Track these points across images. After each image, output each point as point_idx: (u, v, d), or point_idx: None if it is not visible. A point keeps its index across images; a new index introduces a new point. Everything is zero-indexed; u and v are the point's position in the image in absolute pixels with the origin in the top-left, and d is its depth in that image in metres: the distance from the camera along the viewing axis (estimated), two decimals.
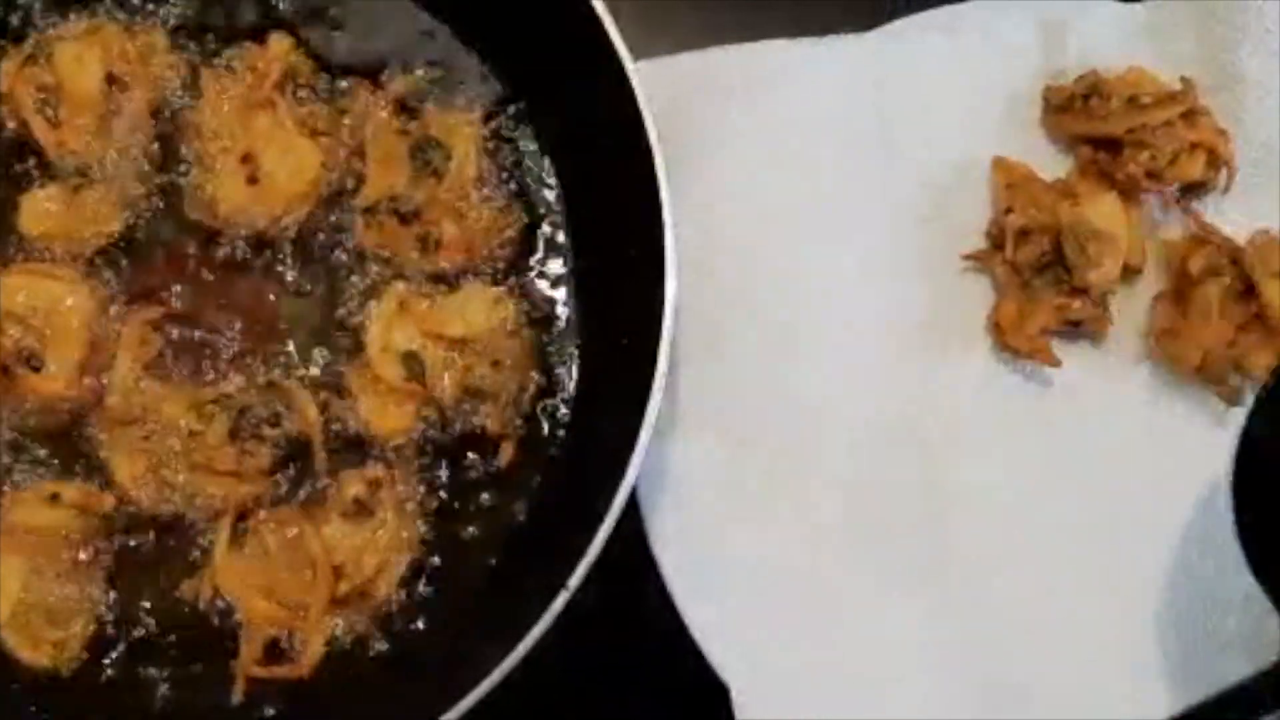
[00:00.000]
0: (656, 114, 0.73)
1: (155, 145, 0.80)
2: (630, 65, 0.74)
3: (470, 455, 0.78)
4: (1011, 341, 0.82)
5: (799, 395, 0.82)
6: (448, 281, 0.80)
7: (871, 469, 0.82)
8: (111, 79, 0.79)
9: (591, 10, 0.74)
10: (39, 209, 0.78)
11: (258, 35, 0.81)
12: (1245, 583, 0.79)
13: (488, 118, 0.82)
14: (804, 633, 0.79)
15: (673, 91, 0.84)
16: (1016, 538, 0.81)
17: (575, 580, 0.67)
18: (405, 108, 0.81)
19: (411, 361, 0.77)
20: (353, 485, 0.76)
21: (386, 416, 0.77)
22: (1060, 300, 0.83)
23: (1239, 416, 0.82)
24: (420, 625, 0.75)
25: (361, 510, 0.75)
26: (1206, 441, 0.83)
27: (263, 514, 0.75)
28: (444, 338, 0.77)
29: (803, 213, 0.84)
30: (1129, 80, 0.86)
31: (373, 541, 0.75)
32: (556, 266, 0.81)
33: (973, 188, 0.86)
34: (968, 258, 0.85)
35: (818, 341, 0.83)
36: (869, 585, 0.80)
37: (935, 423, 0.83)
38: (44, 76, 0.79)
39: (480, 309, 0.78)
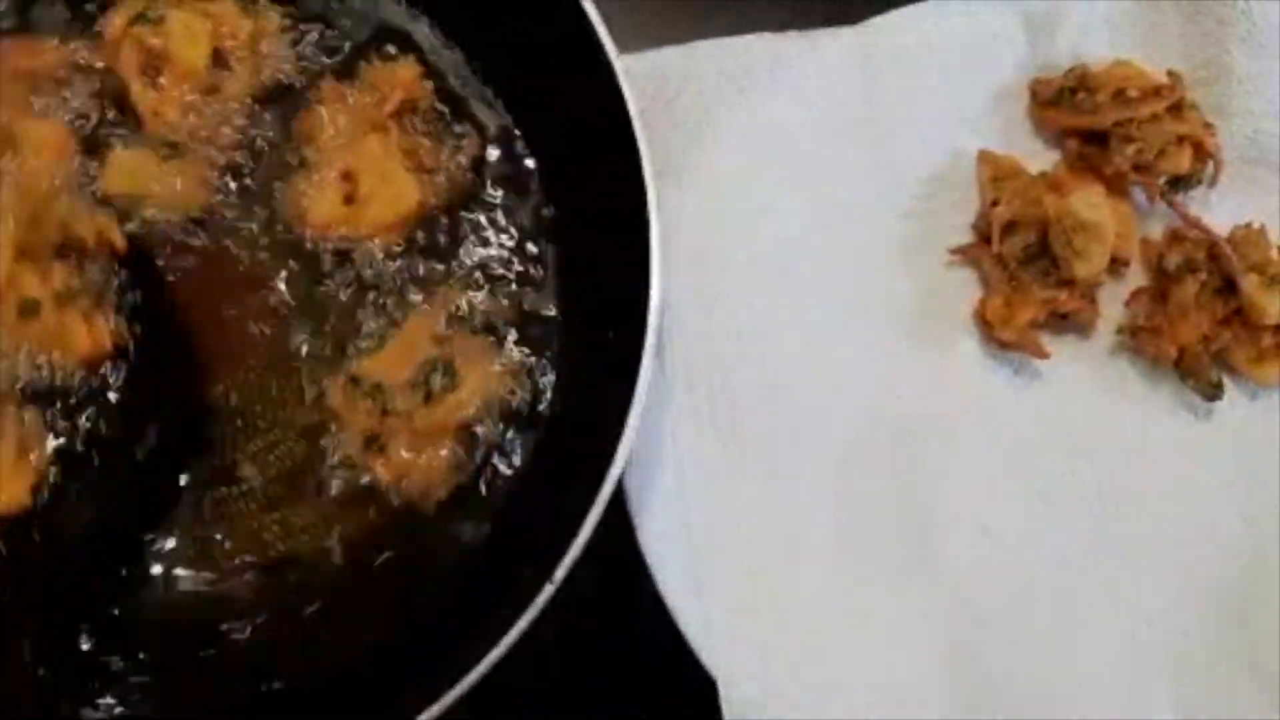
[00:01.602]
0: (642, 108, 0.73)
1: (254, 136, 0.79)
2: (616, 59, 0.73)
3: None
4: (999, 334, 0.83)
5: (787, 389, 0.82)
6: None
7: (859, 463, 0.81)
8: (218, 56, 0.78)
9: (577, 3, 0.74)
10: (124, 168, 0.77)
11: (386, 50, 0.81)
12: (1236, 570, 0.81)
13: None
14: (792, 627, 0.78)
15: (658, 85, 0.84)
16: (1005, 531, 0.81)
17: (560, 574, 0.67)
18: None
19: (24, 309, 0.69)
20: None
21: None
22: (1047, 293, 0.83)
23: (1224, 409, 0.83)
24: (405, 618, 0.75)
25: None
26: (1195, 434, 0.83)
27: None
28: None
29: (789, 206, 0.84)
30: (1116, 74, 0.86)
31: None
32: (540, 262, 0.81)
33: (960, 181, 0.86)
34: (955, 251, 0.85)
35: (805, 335, 0.83)
36: (856, 579, 0.79)
37: (923, 416, 0.83)
38: (151, 39, 0.77)
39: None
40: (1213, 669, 0.79)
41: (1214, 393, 0.82)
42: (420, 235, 0.79)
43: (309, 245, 0.78)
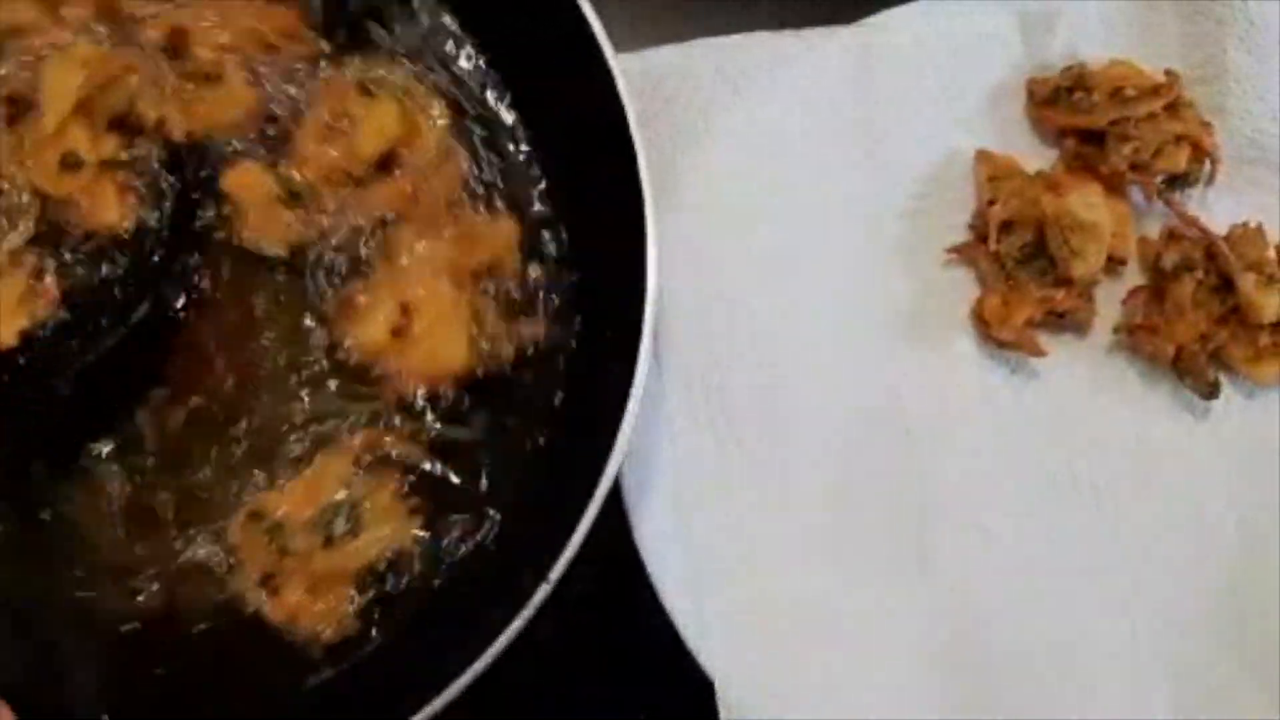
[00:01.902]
0: (638, 107, 0.73)
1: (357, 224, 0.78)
2: (612, 58, 0.73)
3: None
4: (996, 333, 0.83)
5: (784, 388, 0.82)
6: None
7: (856, 462, 0.81)
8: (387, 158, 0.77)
9: (574, 3, 0.74)
10: (242, 180, 0.77)
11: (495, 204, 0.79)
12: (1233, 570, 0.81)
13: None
14: (789, 627, 0.78)
15: (654, 84, 0.84)
16: (1002, 530, 0.81)
17: (557, 573, 0.67)
18: None
19: (68, 159, 0.72)
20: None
21: None
22: (1044, 292, 0.83)
23: (1221, 408, 0.83)
24: (396, 614, 0.74)
25: None
26: (1192, 433, 0.83)
27: None
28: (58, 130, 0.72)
29: (785, 205, 0.84)
30: (1113, 73, 0.86)
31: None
32: (538, 261, 0.80)
33: (956, 180, 0.86)
34: (951, 250, 0.85)
35: (802, 334, 0.83)
36: (854, 579, 0.79)
37: (920, 415, 0.82)
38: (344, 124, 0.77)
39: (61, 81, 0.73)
40: (1211, 669, 0.79)
41: (1211, 392, 0.82)
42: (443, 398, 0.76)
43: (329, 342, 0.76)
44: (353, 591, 0.73)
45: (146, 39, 0.76)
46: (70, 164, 0.72)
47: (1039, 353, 0.82)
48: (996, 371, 0.84)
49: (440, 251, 0.77)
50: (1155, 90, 0.84)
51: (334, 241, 0.77)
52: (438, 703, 0.65)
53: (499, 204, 0.79)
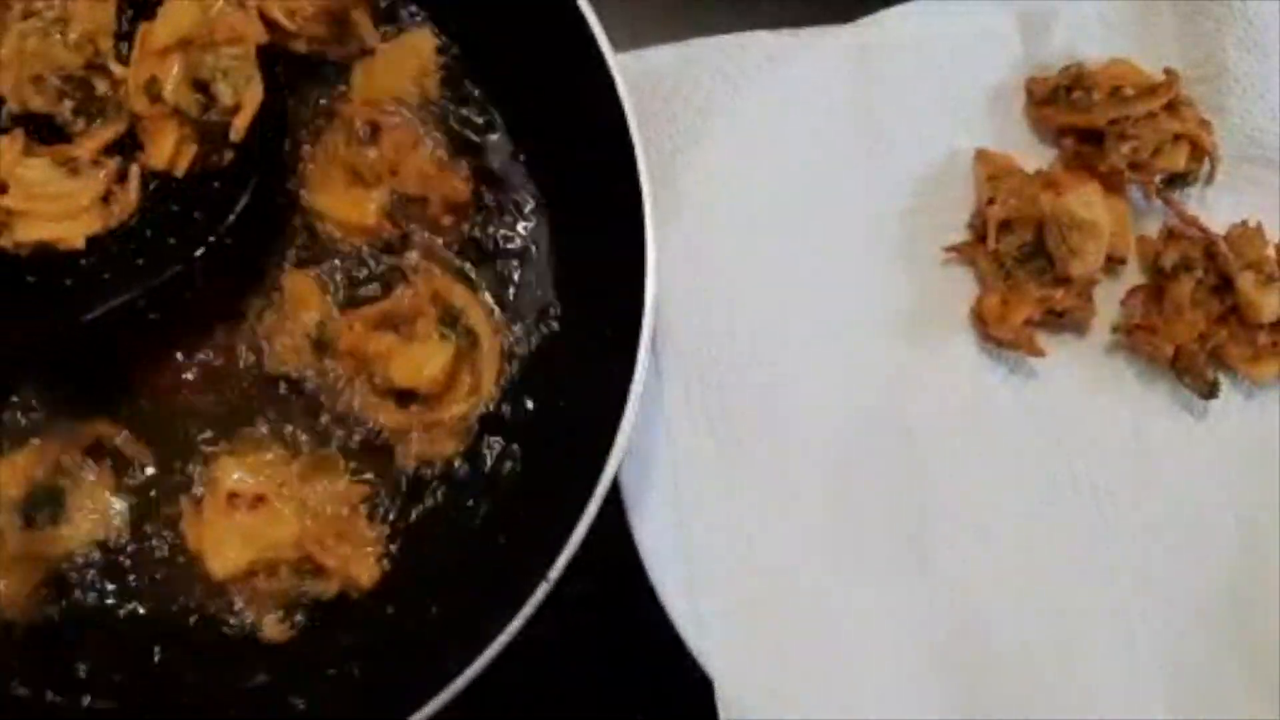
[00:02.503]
0: (637, 107, 0.73)
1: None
2: (611, 58, 0.73)
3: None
4: (995, 332, 0.83)
5: (782, 387, 0.82)
6: None
7: (856, 462, 0.81)
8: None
9: (573, 2, 0.74)
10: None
11: None
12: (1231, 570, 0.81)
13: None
14: (788, 626, 0.78)
15: (653, 84, 0.84)
16: (1001, 530, 0.81)
17: (556, 572, 0.67)
18: None
19: (151, 85, 0.75)
20: None
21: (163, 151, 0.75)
22: (1043, 291, 0.83)
23: (1220, 407, 0.83)
24: (401, 612, 0.75)
25: None
26: (1191, 432, 0.83)
27: None
28: (162, 49, 0.75)
29: (785, 205, 0.84)
30: (1112, 72, 0.86)
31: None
32: (539, 259, 0.81)
33: (955, 179, 0.86)
34: (951, 249, 0.85)
35: (802, 334, 0.83)
36: (852, 578, 0.79)
37: (920, 415, 0.83)
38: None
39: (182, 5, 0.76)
40: (1208, 668, 0.79)
41: (1210, 391, 0.82)
42: None
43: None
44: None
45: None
46: (152, 91, 0.74)
47: (1038, 352, 0.82)
48: (995, 371, 0.84)
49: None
50: (1154, 89, 0.84)
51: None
52: (440, 700, 0.65)
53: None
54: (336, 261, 0.79)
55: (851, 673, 0.78)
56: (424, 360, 0.76)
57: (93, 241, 0.73)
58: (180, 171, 0.75)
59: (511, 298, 0.80)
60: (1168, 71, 0.86)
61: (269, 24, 0.77)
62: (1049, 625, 0.79)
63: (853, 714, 0.77)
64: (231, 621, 0.74)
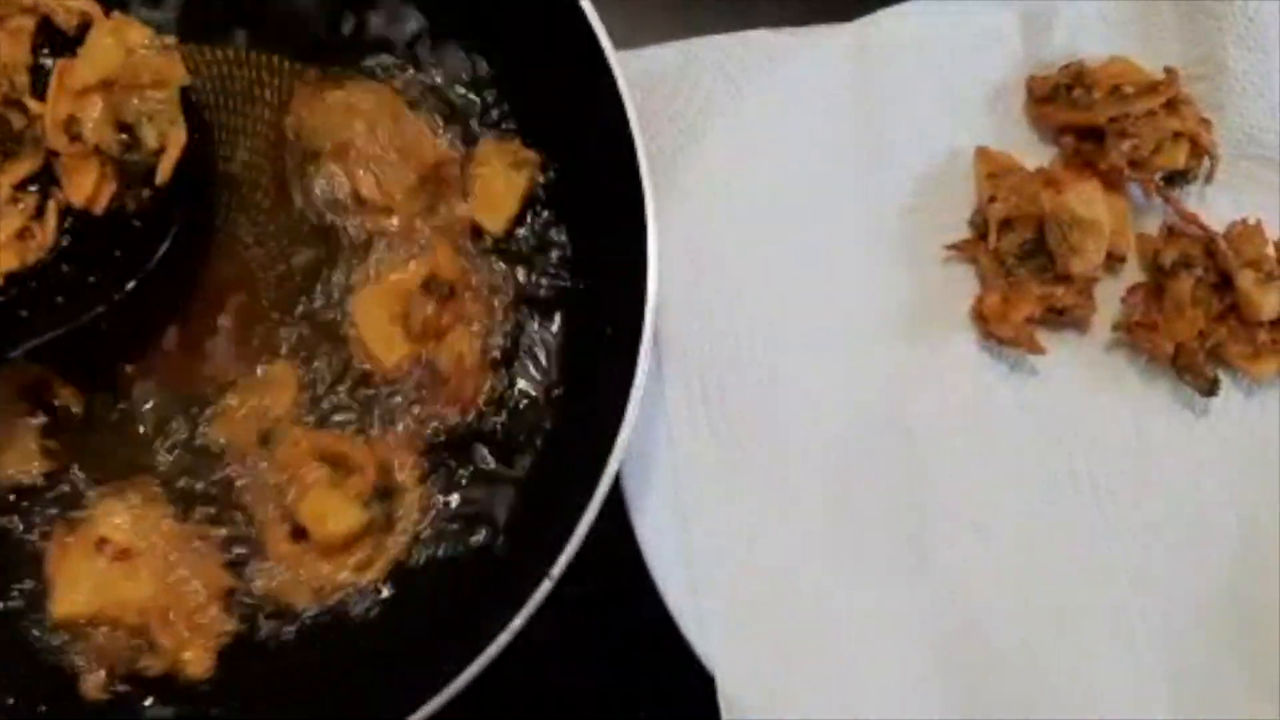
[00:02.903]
0: (638, 105, 0.73)
1: None
2: (612, 56, 0.73)
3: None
4: (996, 330, 0.83)
5: (783, 386, 0.82)
6: None
7: (857, 460, 0.81)
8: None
9: (574, 1, 0.74)
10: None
11: None
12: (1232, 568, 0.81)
13: None
14: (790, 625, 0.79)
15: (655, 82, 0.84)
16: (1001, 529, 0.81)
17: (558, 570, 0.67)
18: None
19: (71, 124, 0.74)
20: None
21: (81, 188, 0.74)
22: (1044, 289, 0.83)
23: (1220, 405, 0.83)
24: (398, 614, 0.75)
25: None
26: (1191, 430, 0.83)
27: None
28: (82, 89, 0.74)
29: (786, 204, 0.84)
30: (1112, 70, 0.86)
31: None
32: (539, 256, 0.81)
33: (956, 178, 0.86)
34: (951, 247, 0.85)
35: (803, 332, 0.83)
36: (853, 577, 0.79)
37: (920, 413, 0.83)
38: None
39: (105, 45, 0.75)
40: (1210, 667, 0.79)
41: (1210, 389, 0.82)
42: None
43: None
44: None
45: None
46: (72, 130, 0.73)
47: (1038, 350, 0.82)
48: (996, 369, 0.84)
49: None
50: (1154, 87, 0.84)
51: None
52: (443, 696, 0.65)
53: None
54: (329, 374, 0.78)
55: (853, 671, 0.78)
56: (332, 514, 0.74)
57: (10, 277, 0.72)
58: (100, 209, 0.74)
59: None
60: (1168, 70, 0.86)
61: None
62: (1050, 624, 0.79)
63: (854, 712, 0.77)
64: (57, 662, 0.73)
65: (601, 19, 0.74)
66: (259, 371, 0.78)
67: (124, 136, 0.74)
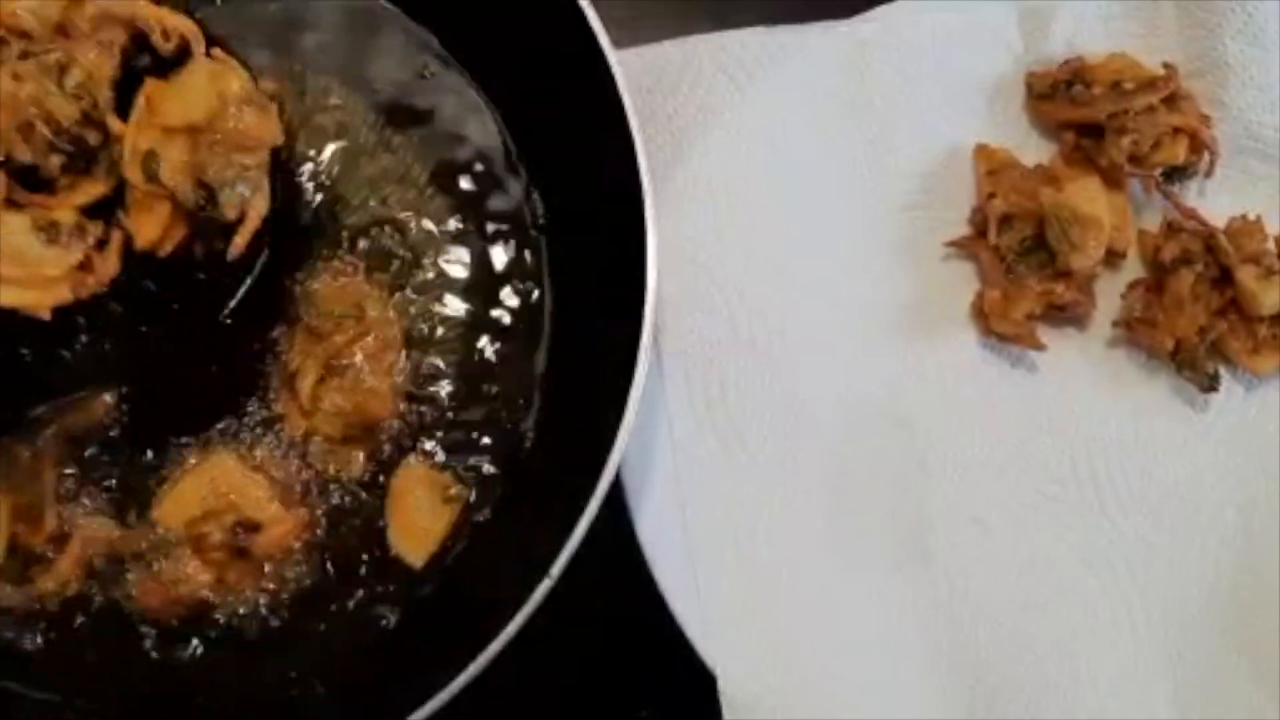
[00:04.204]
0: (637, 103, 0.73)
1: None
2: (611, 54, 0.73)
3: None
4: (996, 327, 0.83)
5: (785, 383, 0.82)
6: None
7: (856, 457, 0.81)
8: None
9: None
10: None
11: None
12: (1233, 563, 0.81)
13: None
14: (791, 621, 0.79)
15: (653, 80, 0.84)
16: (1002, 524, 0.81)
17: (558, 569, 0.67)
18: None
19: (150, 160, 0.70)
20: None
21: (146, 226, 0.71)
22: (1044, 285, 0.83)
23: (1220, 401, 0.83)
24: (399, 613, 0.75)
25: None
26: (1191, 425, 0.83)
27: None
28: (169, 128, 0.70)
29: (785, 201, 0.84)
30: (1112, 66, 0.86)
31: None
32: (538, 256, 0.81)
33: (956, 174, 0.86)
34: (951, 244, 0.85)
35: (803, 329, 0.83)
36: (854, 573, 0.80)
37: (921, 410, 0.83)
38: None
39: (199, 87, 0.70)
40: (1211, 661, 0.79)
41: (1210, 384, 0.82)
42: None
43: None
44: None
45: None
46: (149, 168, 0.70)
47: (1039, 346, 0.82)
48: (996, 365, 0.84)
49: None
50: (1153, 83, 0.84)
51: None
52: (443, 695, 0.65)
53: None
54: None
55: (854, 667, 0.78)
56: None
57: (58, 312, 0.69)
58: (164, 252, 0.71)
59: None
60: (1167, 65, 0.86)
61: None
62: (1050, 620, 0.79)
63: (856, 708, 0.77)
64: None
65: (599, 16, 0.74)
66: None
67: (202, 191, 0.70)
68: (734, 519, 0.80)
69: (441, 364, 0.78)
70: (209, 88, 0.70)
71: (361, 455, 0.76)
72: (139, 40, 0.70)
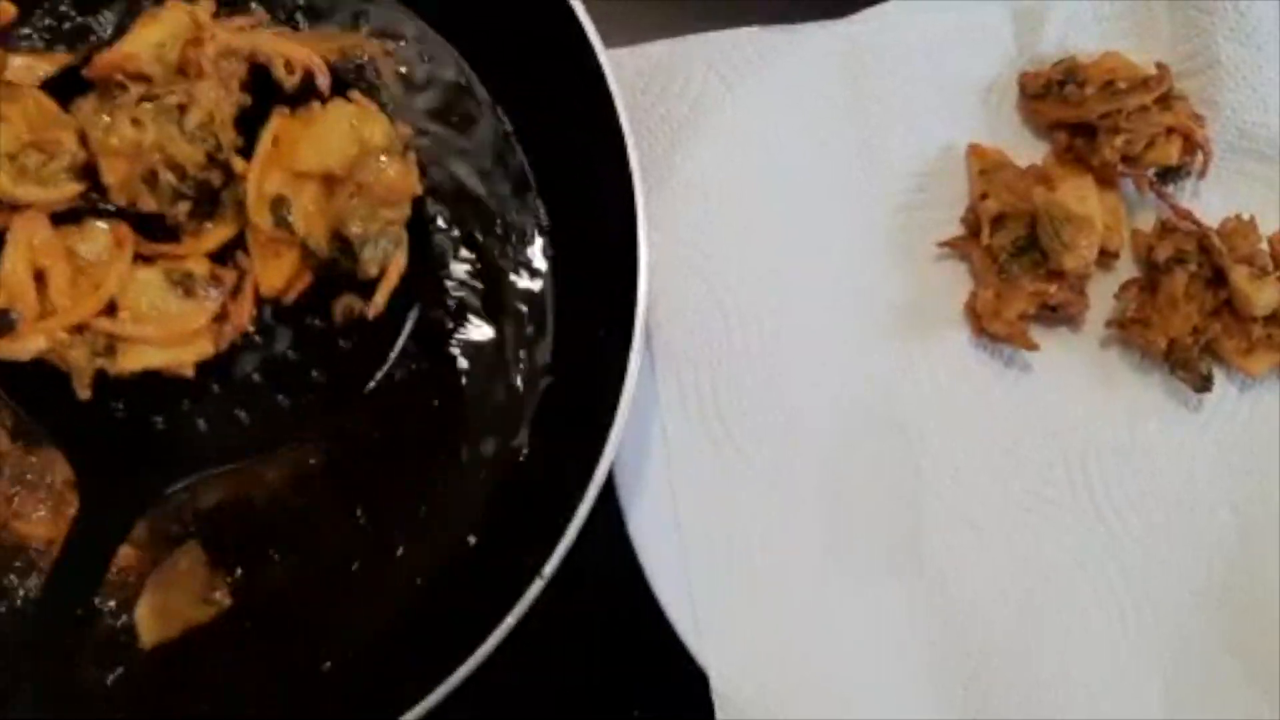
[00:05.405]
0: (629, 102, 0.73)
1: None
2: (602, 53, 0.73)
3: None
4: (990, 327, 0.82)
5: (778, 384, 0.82)
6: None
7: (850, 458, 0.81)
8: None
9: None
10: None
11: None
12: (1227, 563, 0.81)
13: None
14: (784, 621, 0.78)
15: (646, 79, 0.84)
16: (995, 525, 0.81)
17: (550, 568, 0.67)
18: None
19: (279, 205, 0.66)
20: None
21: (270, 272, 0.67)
22: (1037, 285, 0.83)
23: (1214, 401, 0.83)
24: (395, 611, 0.75)
25: None
26: (1185, 425, 0.83)
27: None
28: (302, 173, 0.66)
29: (777, 201, 0.84)
30: (1105, 66, 0.86)
31: None
32: (531, 257, 0.80)
33: (948, 174, 0.86)
34: (944, 244, 0.85)
35: (796, 329, 0.83)
36: (847, 574, 0.79)
37: (915, 410, 0.83)
38: None
39: (339, 132, 0.66)
40: (1205, 661, 0.79)
41: (1204, 384, 0.82)
42: None
43: None
44: None
45: None
46: (278, 213, 0.66)
47: (1032, 346, 0.82)
48: (990, 365, 0.84)
49: None
50: (1146, 83, 0.84)
51: None
52: (435, 695, 0.65)
53: None
54: None
55: (847, 668, 0.78)
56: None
57: (201, 368, 0.65)
58: (288, 300, 0.67)
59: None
60: (1160, 65, 0.86)
61: None
62: (1045, 620, 0.79)
63: (849, 709, 0.77)
64: None
65: (590, 15, 0.73)
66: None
67: (337, 244, 0.66)
68: (727, 520, 0.79)
69: None
70: (349, 135, 0.66)
71: None
72: (260, 74, 0.67)
